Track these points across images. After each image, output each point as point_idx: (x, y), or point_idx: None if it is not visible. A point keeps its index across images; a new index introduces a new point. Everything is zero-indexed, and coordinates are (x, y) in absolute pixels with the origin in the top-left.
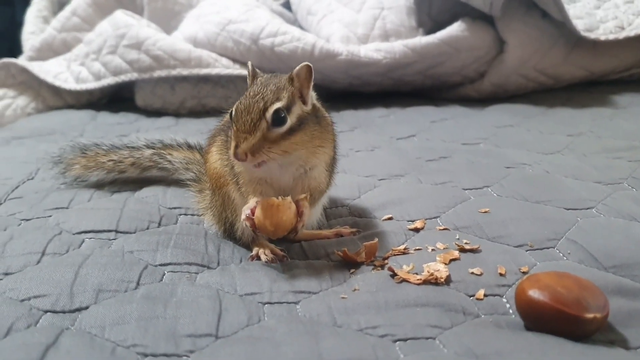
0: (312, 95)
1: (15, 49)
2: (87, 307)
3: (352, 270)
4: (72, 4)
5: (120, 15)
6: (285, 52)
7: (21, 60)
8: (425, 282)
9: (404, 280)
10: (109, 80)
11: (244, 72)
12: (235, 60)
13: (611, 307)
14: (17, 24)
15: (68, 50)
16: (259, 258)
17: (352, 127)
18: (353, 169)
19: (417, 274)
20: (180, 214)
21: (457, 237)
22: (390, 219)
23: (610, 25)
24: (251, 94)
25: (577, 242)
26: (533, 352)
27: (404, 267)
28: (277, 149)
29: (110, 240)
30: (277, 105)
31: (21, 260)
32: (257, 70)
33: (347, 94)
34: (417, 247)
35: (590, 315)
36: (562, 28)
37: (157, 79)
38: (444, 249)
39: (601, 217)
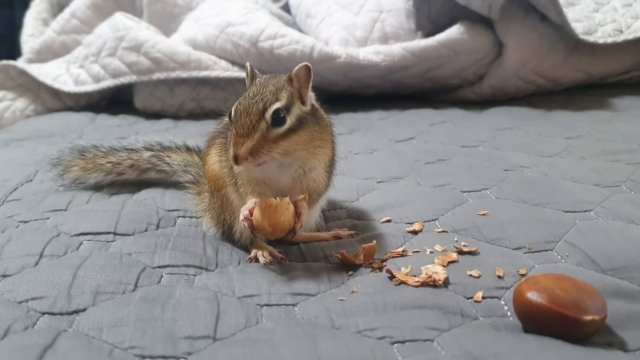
0: (311, 96)
1: (14, 51)
2: (84, 309)
3: (350, 273)
4: (72, 7)
5: (120, 18)
6: (284, 55)
7: (20, 63)
8: (424, 284)
9: (402, 282)
10: (108, 83)
11: (243, 74)
12: (234, 63)
13: (609, 310)
14: (16, 27)
15: (67, 52)
16: (257, 260)
17: (351, 130)
18: (352, 172)
19: (415, 276)
20: (179, 216)
21: (456, 239)
22: (388, 221)
23: (608, 29)
24: (250, 94)
25: (576, 244)
26: (531, 355)
27: (402, 269)
28: (276, 149)
29: (108, 242)
30: (277, 105)
31: (19, 262)
32: (256, 71)
33: (346, 97)
34: (415, 250)
35: (588, 318)
36: (561, 31)
37: (156, 81)
38: (442, 251)
39: (599, 220)
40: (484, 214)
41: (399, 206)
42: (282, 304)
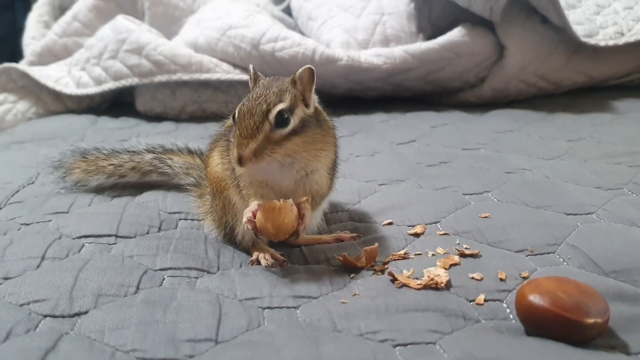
0: (314, 99)
1: (16, 54)
2: (86, 312)
3: (352, 275)
4: (73, 9)
5: (121, 20)
6: (285, 57)
7: (22, 65)
8: (426, 287)
9: (404, 285)
10: (110, 85)
11: (244, 77)
12: (235, 66)
13: (612, 313)
14: (18, 29)
15: (69, 55)
16: (259, 263)
17: (353, 132)
18: (353, 174)
19: (417, 278)
20: (180, 219)
21: (458, 242)
22: (390, 223)
23: (610, 31)
24: (254, 96)
25: (578, 247)
26: (533, 358)
27: (404, 272)
28: (279, 150)
29: (110, 244)
30: (281, 106)
31: (21, 265)
32: (259, 74)
33: (348, 99)
34: (417, 252)
35: (590, 321)
36: (562, 34)
37: (157, 83)
38: (444, 253)
39: (601, 223)
40: (485, 217)
41: (401, 209)
42: (284, 307)
